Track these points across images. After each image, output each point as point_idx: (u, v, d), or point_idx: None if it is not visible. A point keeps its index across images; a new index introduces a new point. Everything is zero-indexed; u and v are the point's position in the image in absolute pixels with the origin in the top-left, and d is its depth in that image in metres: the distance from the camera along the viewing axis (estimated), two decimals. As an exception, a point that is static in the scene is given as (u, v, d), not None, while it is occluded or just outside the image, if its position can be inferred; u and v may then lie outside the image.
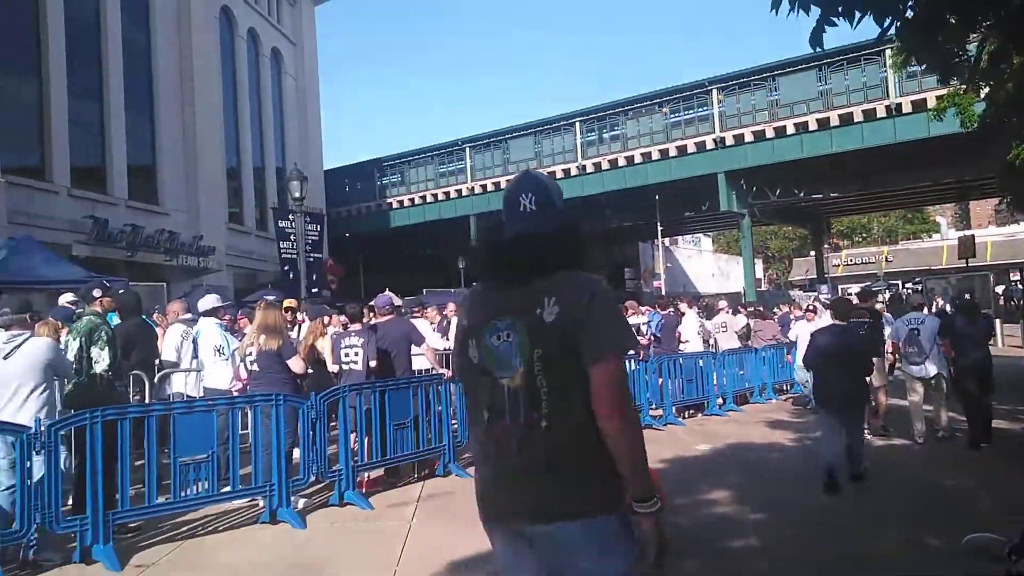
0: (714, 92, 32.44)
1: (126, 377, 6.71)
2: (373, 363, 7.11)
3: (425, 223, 42.52)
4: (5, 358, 5.10)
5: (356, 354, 7.11)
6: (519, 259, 2.09)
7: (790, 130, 30.32)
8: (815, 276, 46.99)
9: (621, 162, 35.46)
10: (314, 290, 16.30)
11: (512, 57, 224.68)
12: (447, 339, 9.77)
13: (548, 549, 2.03)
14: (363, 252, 43.35)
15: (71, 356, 5.73)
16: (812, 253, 50.33)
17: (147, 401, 6.91)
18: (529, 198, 2.17)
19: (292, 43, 35.35)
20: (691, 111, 33.63)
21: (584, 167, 36.72)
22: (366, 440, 6.76)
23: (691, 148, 32.91)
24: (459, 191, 41.36)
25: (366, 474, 6.90)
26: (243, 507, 6.25)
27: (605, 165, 35.98)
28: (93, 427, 5.03)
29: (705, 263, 65.99)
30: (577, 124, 37.34)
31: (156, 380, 7.29)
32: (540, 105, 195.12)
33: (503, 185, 39.11)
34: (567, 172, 37.27)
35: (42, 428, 4.83)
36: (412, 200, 42.89)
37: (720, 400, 11.36)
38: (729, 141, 31.91)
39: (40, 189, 18.57)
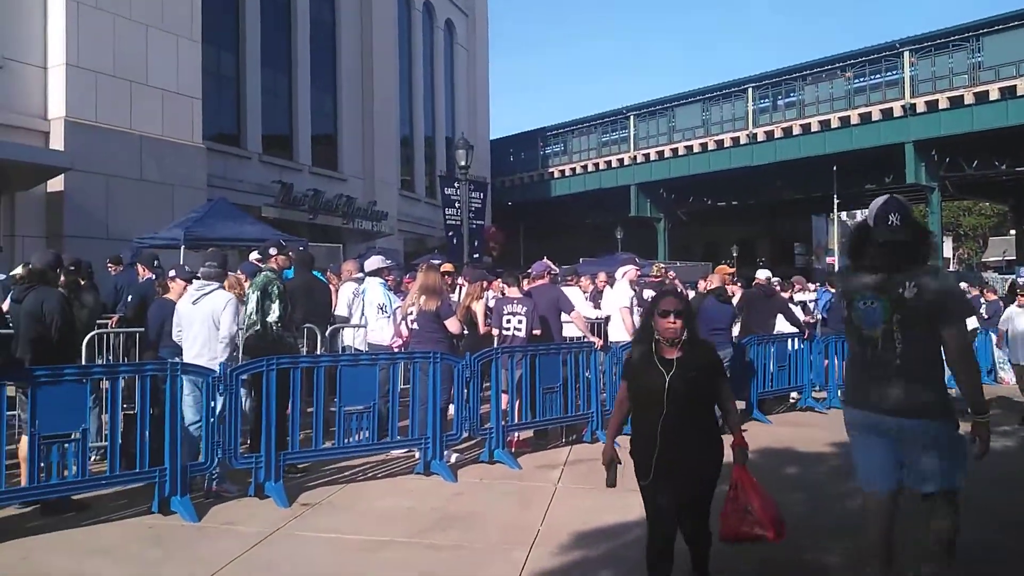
0: (906, 55, 29.69)
1: (298, 329, 7.26)
2: (537, 331, 7.23)
3: (585, 192, 42.40)
4: (194, 303, 5.67)
5: (520, 322, 7.25)
6: (891, 258, 3.14)
7: (993, 95, 27.20)
8: (1014, 257, 42.18)
9: (796, 130, 33.43)
10: (475, 256, 16.79)
11: (681, 22, 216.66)
12: (599, 308, 9.73)
13: (903, 439, 3.15)
14: (524, 220, 43.98)
15: (251, 307, 6.26)
16: (1012, 232, 45.15)
17: (318, 352, 7.44)
18: (896, 216, 3.14)
19: (465, 14, 36.14)
20: (877, 75, 31.00)
21: (755, 135, 34.99)
22: (517, 402, 6.91)
23: (876, 115, 30.43)
24: (621, 160, 40.79)
25: (516, 434, 7.07)
26: (400, 457, 6.61)
27: (778, 133, 34.07)
28: (269, 374, 5.50)
29: (886, 240, 60.86)
30: (749, 90, 35.56)
31: (327, 333, 7.83)
32: (709, 71, 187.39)
33: (667, 154, 38.46)
34: (736, 140, 35.69)
35: (225, 371, 5.35)
36: (573, 169, 42.85)
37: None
38: (920, 108, 29.16)
39: (235, 155, 20.37)
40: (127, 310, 7.20)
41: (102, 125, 14.34)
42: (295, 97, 23.14)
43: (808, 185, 36.23)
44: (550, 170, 43.61)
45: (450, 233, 17.18)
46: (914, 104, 29.34)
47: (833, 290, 11.42)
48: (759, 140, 34.85)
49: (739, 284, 10.57)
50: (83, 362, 5.84)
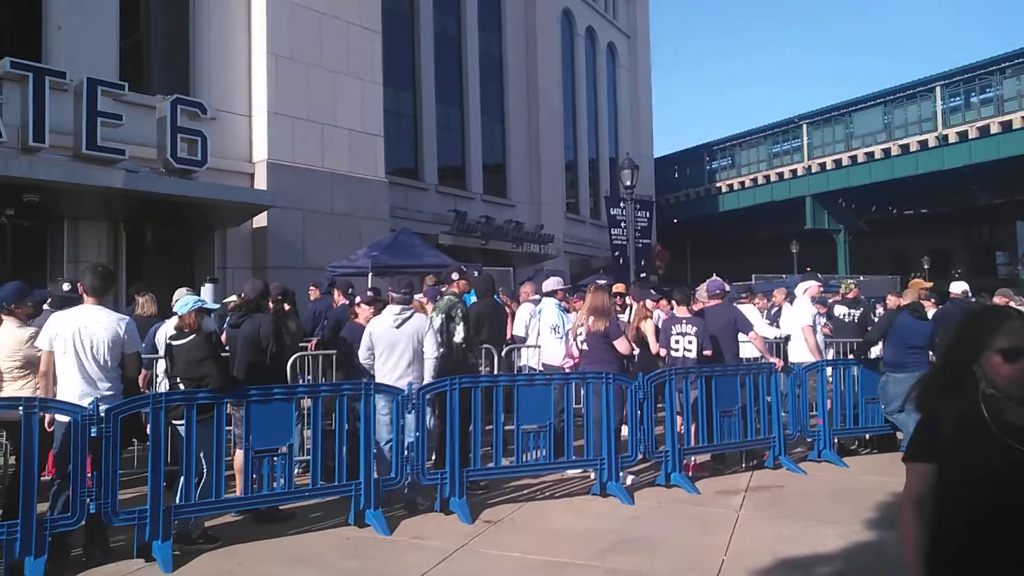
0: None
1: (478, 350, 7.57)
2: (707, 352, 7.11)
3: (756, 206, 40.84)
4: (397, 327, 6.08)
5: (690, 342, 7.16)
6: None
7: None
8: None
9: (994, 128, 30.40)
10: (643, 275, 16.67)
11: (855, 22, 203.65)
12: (777, 326, 9.35)
13: None
14: (690, 237, 43.04)
15: (436, 330, 6.63)
16: None
17: (495, 372, 7.73)
18: None
19: (627, 36, 36.24)
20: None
21: (945, 137, 32.18)
22: (692, 425, 6.80)
23: (1094, 106, 26.98)
24: (794, 171, 38.97)
25: (692, 458, 6.94)
26: (576, 477, 6.70)
27: (973, 133, 31.13)
28: (452, 392, 5.80)
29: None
30: (937, 89, 32.81)
31: (504, 353, 8.11)
32: (889, 71, 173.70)
33: (844, 162, 36.18)
34: (923, 144, 33.01)
35: (413, 391, 5.71)
36: (742, 183, 41.46)
37: None
38: None
39: (414, 187, 21.62)
40: (325, 334, 7.86)
41: (298, 165, 15.78)
42: (467, 129, 24.25)
43: (1010, 188, 32.72)
44: (717, 185, 42.44)
45: (616, 253, 17.18)
46: None
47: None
48: (950, 142, 31.99)
49: (932, 300, 9.75)
50: (288, 382, 6.43)
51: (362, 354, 6.17)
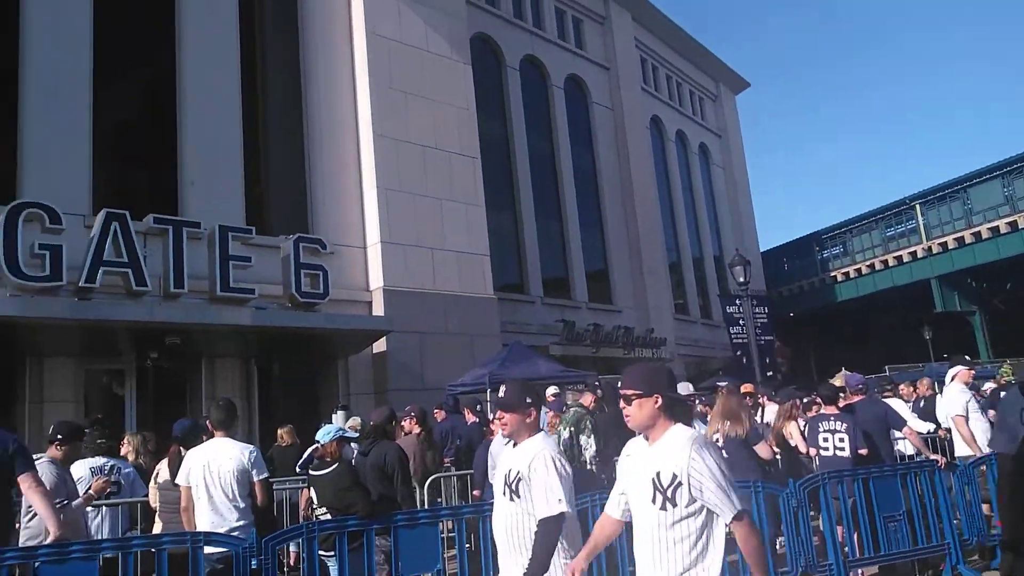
0: None
1: (611, 464, 7.32)
2: (863, 451, 6.61)
3: (877, 293, 38.96)
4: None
5: (841, 440, 6.70)
6: None
7: None
8: None
9: None
10: (769, 373, 15.99)
11: (963, 87, 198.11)
12: (927, 420, 8.64)
13: None
14: (809, 330, 41.31)
15: (561, 443, 6.47)
16: None
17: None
18: None
19: (717, 135, 36.61)
20: None
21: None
22: (855, 533, 6.23)
23: None
24: (913, 253, 37.19)
25: (860, 571, 6.32)
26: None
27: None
28: (593, 509, 5.56)
29: None
30: (1067, 152, 31.01)
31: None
32: (999, 142, 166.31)
33: (967, 239, 34.29)
34: (1056, 214, 30.98)
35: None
36: (858, 271, 39.85)
37: None
38: None
39: (521, 301, 21.93)
40: (457, 453, 7.84)
41: (412, 289, 16.36)
42: (567, 241, 24.67)
43: None
44: (831, 274, 40.95)
45: (738, 352, 16.63)
46: None
47: None
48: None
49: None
50: (425, 504, 6.37)
51: (490, 472, 6.08)
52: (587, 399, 6.73)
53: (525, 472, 3.46)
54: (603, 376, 17.56)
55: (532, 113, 24.29)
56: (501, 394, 3.60)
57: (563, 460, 3.48)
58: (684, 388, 7.95)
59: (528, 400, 3.57)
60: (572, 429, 6.56)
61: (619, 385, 3.24)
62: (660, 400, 2.98)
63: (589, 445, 6.42)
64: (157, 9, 14.85)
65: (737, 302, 16.79)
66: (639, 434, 3.11)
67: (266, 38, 16.80)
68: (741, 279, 15.49)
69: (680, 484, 2.85)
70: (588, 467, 6.31)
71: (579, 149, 26.30)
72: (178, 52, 14.76)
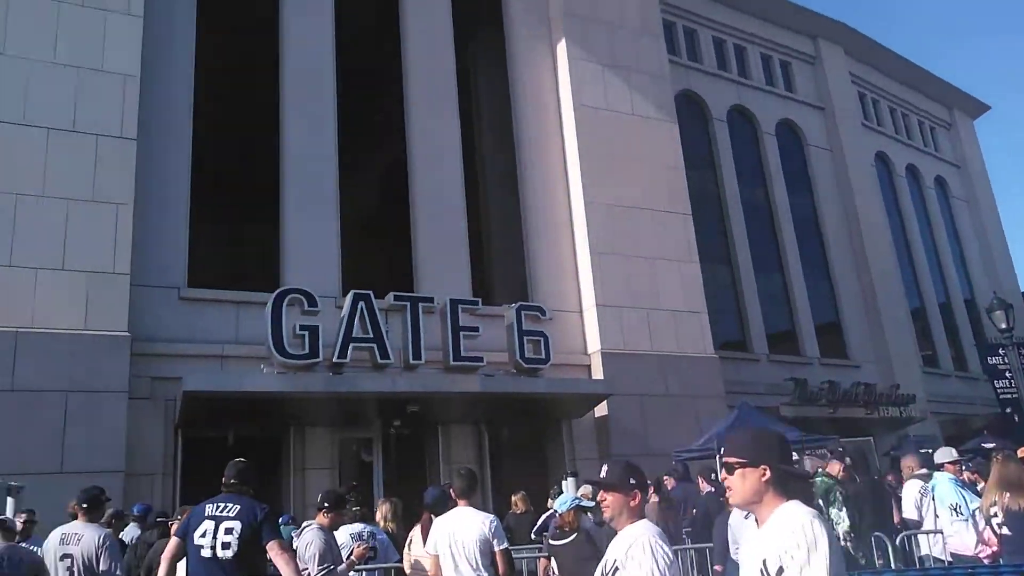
0: None
1: (866, 538, 6.66)
2: None
3: None
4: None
5: None
6: None
7: None
8: None
9: None
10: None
11: None
12: None
13: None
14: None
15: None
16: None
17: (892, 566, 6.68)
18: None
19: (955, 166, 33.21)
20: None
21: None
22: None
23: None
24: None
25: None
26: None
27: None
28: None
29: None
30: None
31: (897, 541, 7.03)
32: None
33: None
34: None
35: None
36: None
37: None
38: None
39: (744, 359, 20.94)
40: (693, 524, 7.55)
41: (629, 352, 16.27)
42: (791, 293, 23.33)
43: None
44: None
45: (1007, 409, 14.55)
46: None
47: None
48: None
49: None
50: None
51: (731, 548, 5.76)
52: (834, 468, 6.20)
53: (622, 559, 3.11)
54: (846, 439, 16.20)
55: (743, 163, 23.63)
56: (603, 474, 3.35)
57: (666, 546, 3.15)
58: (946, 454, 7.11)
59: (632, 481, 3.28)
60: (820, 502, 6.08)
61: (721, 451, 2.87)
62: (768, 472, 2.54)
63: (841, 519, 5.91)
64: (391, 104, 16.57)
65: (1000, 351, 14.76)
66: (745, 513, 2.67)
67: (483, 120, 18.04)
68: (1003, 325, 13.62)
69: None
70: (843, 543, 5.78)
71: (797, 195, 25.05)
72: (408, 143, 16.30)
